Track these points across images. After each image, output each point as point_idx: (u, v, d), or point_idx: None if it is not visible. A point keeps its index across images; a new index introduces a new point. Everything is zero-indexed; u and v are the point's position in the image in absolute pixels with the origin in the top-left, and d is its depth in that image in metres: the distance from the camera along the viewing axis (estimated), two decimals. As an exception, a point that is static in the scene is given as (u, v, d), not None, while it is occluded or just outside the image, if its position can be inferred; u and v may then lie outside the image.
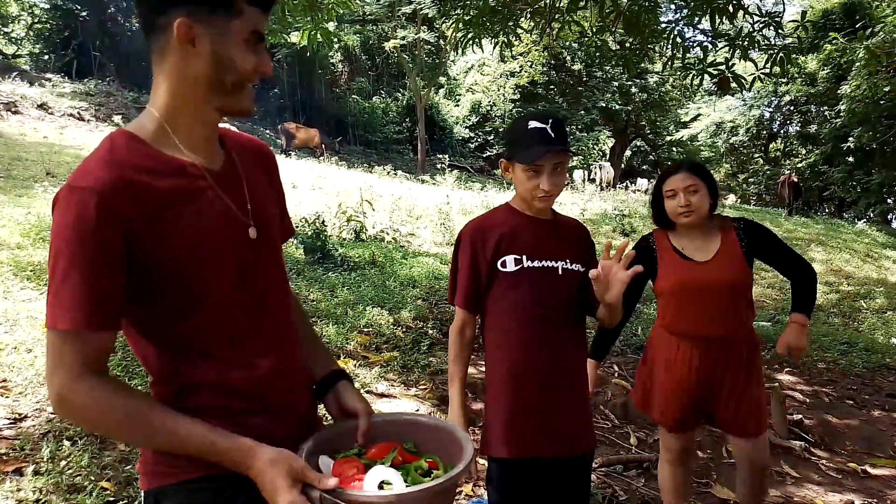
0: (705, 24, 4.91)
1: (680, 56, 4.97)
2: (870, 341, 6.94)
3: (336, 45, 22.74)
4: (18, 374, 3.55)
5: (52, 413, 3.22)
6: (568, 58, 25.91)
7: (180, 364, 1.16)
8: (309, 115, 23.95)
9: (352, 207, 9.34)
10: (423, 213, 11.15)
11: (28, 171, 9.29)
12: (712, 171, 2.69)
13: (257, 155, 1.36)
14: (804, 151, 25.73)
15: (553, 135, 1.84)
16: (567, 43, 19.78)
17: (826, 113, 22.35)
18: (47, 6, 19.99)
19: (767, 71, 4.76)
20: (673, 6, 6.62)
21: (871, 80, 15.04)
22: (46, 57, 20.01)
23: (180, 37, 1.09)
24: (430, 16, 19.05)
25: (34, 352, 3.81)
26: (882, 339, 7.30)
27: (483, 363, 2.24)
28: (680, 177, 2.50)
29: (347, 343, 4.89)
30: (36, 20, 20.41)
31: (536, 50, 22.87)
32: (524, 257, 1.93)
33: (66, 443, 2.97)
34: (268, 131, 20.53)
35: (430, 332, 5.49)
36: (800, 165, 24.77)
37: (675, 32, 5.01)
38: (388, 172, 17.62)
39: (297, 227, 6.82)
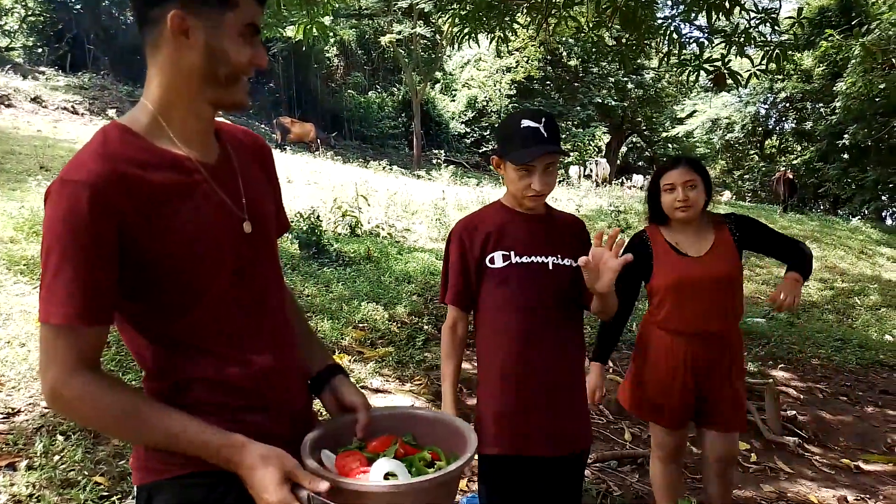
0: (702, 20, 4.90)
1: (676, 52, 4.97)
2: (864, 338, 6.97)
3: (332, 40, 22.65)
4: (11, 369, 3.54)
5: (45, 408, 3.21)
6: (564, 53, 25.87)
7: (176, 360, 1.16)
8: (304, 110, 23.89)
9: (347, 202, 9.32)
10: (419, 209, 11.14)
11: (21, 164, 9.24)
12: (708, 168, 2.69)
13: (253, 149, 1.35)
14: (799, 148, 25.81)
15: (546, 134, 1.83)
16: (563, 38, 19.76)
17: (822, 110, 22.40)
18: (41, -1, 19.90)
19: (763, 67, 4.76)
20: (669, 2, 6.62)
21: (867, 77, 15.09)
22: (40, 50, 19.93)
23: (174, 29, 1.08)
24: (426, 10, 19.02)
25: (27, 346, 3.80)
26: (876, 336, 7.33)
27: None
28: (679, 171, 2.51)
29: (342, 338, 4.88)
30: (29, 13, 20.29)
31: (533, 45, 22.86)
32: (512, 253, 1.92)
33: (60, 437, 2.97)
34: (263, 126, 20.45)
35: (426, 327, 5.48)
36: (795, 162, 24.82)
37: (672, 28, 5.00)
38: (384, 167, 17.58)
39: (292, 221, 6.81)
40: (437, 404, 4.06)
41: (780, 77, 20.48)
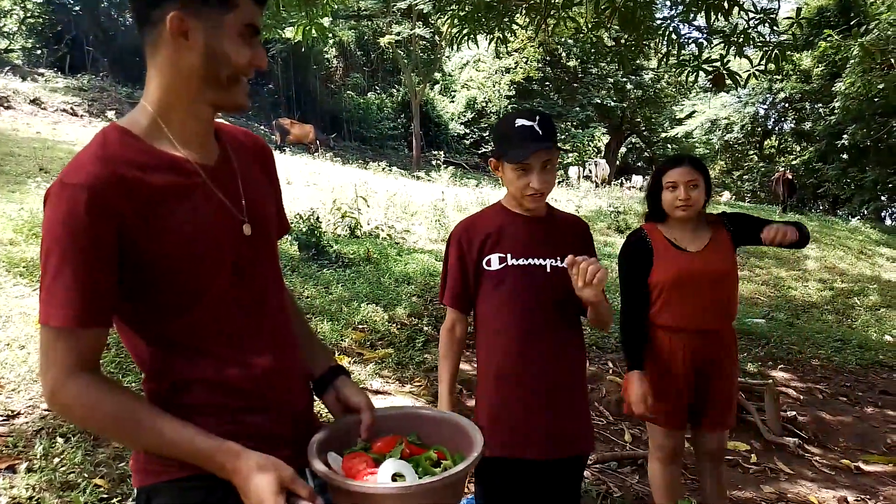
0: (700, 20, 4.91)
1: (675, 53, 4.97)
2: (863, 338, 6.97)
3: (331, 41, 22.69)
4: (11, 371, 3.53)
5: (45, 410, 3.21)
6: (563, 54, 25.92)
7: (175, 361, 1.15)
8: (303, 111, 23.89)
9: (346, 204, 9.32)
10: (418, 210, 11.13)
11: (20, 166, 9.23)
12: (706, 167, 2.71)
13: (254, 150, 1.35)
14: (798, 148, 25.83)
15: (541, 132, 1.83)
16: (562, 39, 19.80)
17: (820, 110, 22.43)
18: (40, 0, 19.87)
19: (762, 68, 4.76)
20: (668, 3, 6.62)
21: (866, 78, 15.10)
22: (39, 52, 19.93)
23: (173, 30, 1.08)
24: (425, 11, 19.00)
25: (27, 348, 3.79)
26: (875, 336, 7.34)
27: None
28: (683, 170, 2.52)
29: (342, 340, 4.88)
30: (28, 14, 20.28)
31: (532, 46, 22.89)
32: (509, 255, 1.92)
33: (60, 440, 2.96)
34: (262, 127, 20.45)
35: (425, 328, 5.48)
36: (794, 162, 24.85)
37: (671, 29, 5.00)
38: (383, 169, 17.57)
39: (291, 223, 6.80)
40: (436, 405, 4.05)
41: (779, 77, 20.54)
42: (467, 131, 27.81)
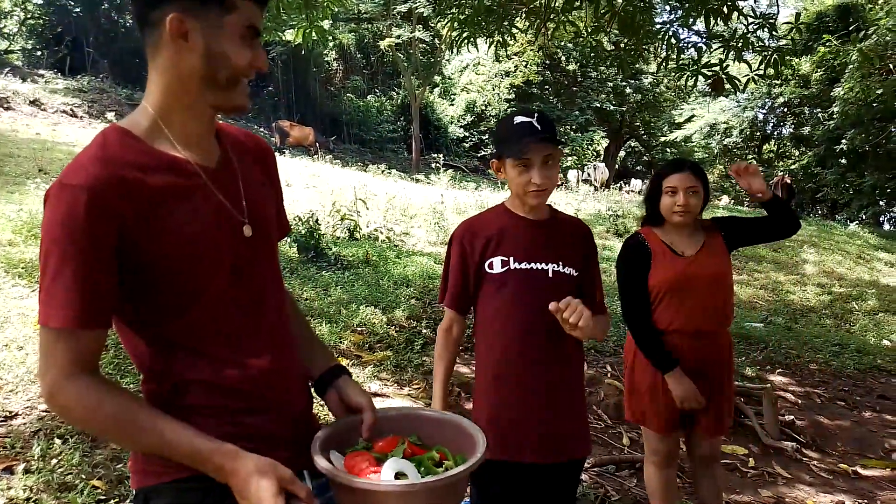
0: (700, 25, 4.91)
1: (674, 57, 4.98)
2: (861, 343, 6.97)
3: (331, 44, 22.70)
4: (9, 372, 3.53)
5: (43, 411, 3.21)
6: (563, 58, 25.96)
7: (174, 362, 1.15)
8: (303, 114, 23.88)
9: (346, 206, 9.32)
10: (418, 213, 11.14)
11: (20, 167, 9.23)
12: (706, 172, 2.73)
13: (255, 151, 1.34)
14: (797, 153, 25.86)
15: (539, 127, 1.83)
16: (562, 43, 19.83)
17: (819, 115, 22.46)
18: (40, 2, 19.89)
19: (761, 72, 4.77)
20: (668, 7, 6.63)
21: (864, 83, 15.12)
22: (39, 53, 19.92)
23: (173, 31, 1.08)
24: (425, 14, 19.06)
25: (25, 349, 3.79)
26: (874, 341, 7.34)
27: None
28: (683, 176, 2.53)
29: (341, 342, 4.88)
30: (29, 16, 20.29)
31: (531, 50, 22.92)
32: (511, 259, 1.92)
33: (58, 441, 2.96)
34: (262, 129, 20.45)
35: (424, 331, 5.48)
36: (793, 167, 24.88)
37: (670, 33, 5.01)
38: (383, 171, 17.58)
39: (291, 225, 6.81)
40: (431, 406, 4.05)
41: (778, 82, 20.57)
42: (467, 134, 27.84)
